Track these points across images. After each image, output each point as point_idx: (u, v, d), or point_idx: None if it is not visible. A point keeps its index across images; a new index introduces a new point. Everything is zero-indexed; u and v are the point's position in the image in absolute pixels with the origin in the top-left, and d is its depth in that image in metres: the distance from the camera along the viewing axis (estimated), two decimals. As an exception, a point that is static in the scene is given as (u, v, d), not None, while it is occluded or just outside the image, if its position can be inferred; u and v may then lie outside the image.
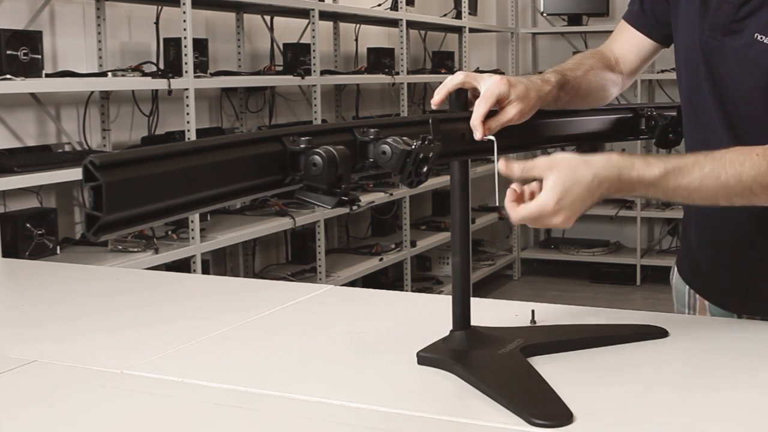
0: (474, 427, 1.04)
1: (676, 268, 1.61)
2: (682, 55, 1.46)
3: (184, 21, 3.37)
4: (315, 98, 4.18)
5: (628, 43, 1.56)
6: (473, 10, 5.91)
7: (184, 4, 3.35)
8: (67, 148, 3.42)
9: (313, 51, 4.20)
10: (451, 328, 1.26)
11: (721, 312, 1.49)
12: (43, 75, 2.94)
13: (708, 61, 1.37)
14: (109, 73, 3.36)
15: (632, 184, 1.17)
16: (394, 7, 4.97)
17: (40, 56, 2.91)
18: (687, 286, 1.56)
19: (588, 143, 2.11)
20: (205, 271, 3.61)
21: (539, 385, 1.12)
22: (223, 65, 4.25)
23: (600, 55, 1.55)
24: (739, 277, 1.46)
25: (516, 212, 1.16)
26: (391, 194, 4.68)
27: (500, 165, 1.17)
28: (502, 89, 1.24)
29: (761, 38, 1.29)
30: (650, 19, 1.53)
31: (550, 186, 1.14)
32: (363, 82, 5.01)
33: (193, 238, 3.39)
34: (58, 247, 3.06)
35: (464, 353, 1.22)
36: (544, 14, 6.28)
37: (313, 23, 4.18)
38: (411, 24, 5.19)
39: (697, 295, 1.54)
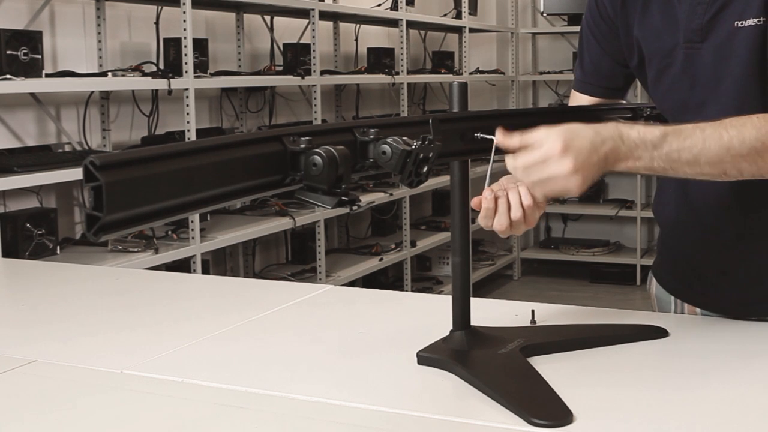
0: (474, 427, 1.04)
1: (654, 280, 1.58)
2: (658, 85, 1.43)
3: (184, 21, 3.37)
4: (315, 98, 4.18)
5: (585, 102, 1.56)
6: (473, 10, 5.91)
7: (184, 4, 3.35)
8: (67, 148, 3.42)
9: (313, 51, 4.20)
10: (451, 328, 1.26)
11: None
12: (43, 75, 2.94)
13: (688, 69, 1.35)
14: (109, 73, 3.35)
15: (635, 146, 1.14)
16: (394, 7, 4.97)
17: (40, 56, 2.91)
18: (672, 297, 1.54)
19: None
20: (205, 271, 3.61)
21: (539, 385, 1.12)
22: (223, 65, 4.25)
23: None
24: (728, 280, 1.43)
25: (518, 158, 1.12)
26: (391, 194, 4.68)
27: (498, 136, 1.15)
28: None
29: (741, 24, 1.29)
30: (593, 78, 1.53)
31: (553, 135, 1.11)
32: (363, 82, 5.01)
33: (193, 238, 3.39)
34: (58, 247, 3.06)
35: (464, 353, 1.22)
36: (544, 14, 6.27)
37: (313, 23, 4.18)
38: (411, 24, 5.19)
39: (686, 305, 1.52)
